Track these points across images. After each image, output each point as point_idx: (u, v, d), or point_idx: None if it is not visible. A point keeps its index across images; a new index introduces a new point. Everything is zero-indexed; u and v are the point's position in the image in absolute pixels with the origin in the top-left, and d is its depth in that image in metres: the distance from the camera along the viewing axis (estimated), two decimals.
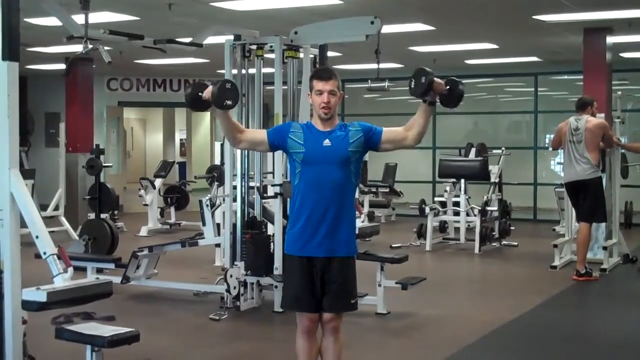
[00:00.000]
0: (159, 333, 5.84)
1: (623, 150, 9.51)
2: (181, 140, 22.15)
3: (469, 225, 10.72)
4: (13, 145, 3.86)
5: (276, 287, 6.42)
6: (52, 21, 8.26)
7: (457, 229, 10.95)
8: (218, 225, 8.37)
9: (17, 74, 3.87)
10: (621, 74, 12.52)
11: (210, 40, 7.79)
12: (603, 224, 8.88)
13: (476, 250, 10.14)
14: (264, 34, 7.07)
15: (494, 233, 10.54)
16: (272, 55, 6.74)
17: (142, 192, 12.47)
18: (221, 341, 5.90)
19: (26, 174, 8.46)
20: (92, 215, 10.08)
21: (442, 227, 11.35)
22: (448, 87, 3.75)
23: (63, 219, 11.50)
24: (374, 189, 13.62)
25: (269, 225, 6.91)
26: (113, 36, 6.92)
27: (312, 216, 3.78)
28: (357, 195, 3.87)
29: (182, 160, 20.04)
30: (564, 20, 9.51)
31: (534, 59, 13.14)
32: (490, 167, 11.21)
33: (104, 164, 10.18)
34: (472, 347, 5.57)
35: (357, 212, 4.12)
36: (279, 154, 6.38)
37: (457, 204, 10.95)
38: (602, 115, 9.07)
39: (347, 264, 3.87)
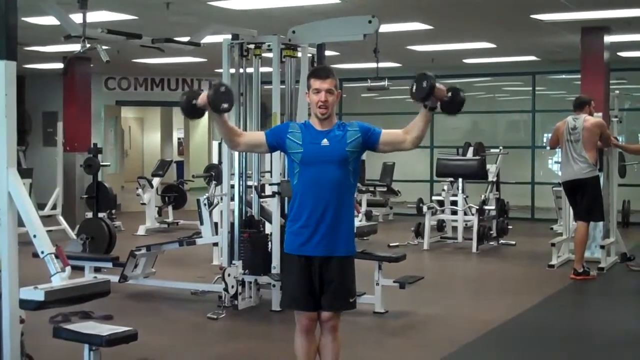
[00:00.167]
0: (156, 332, 5.84)
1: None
2: (179, 139, 22.15)
3: (466, 224, 10.73)
4: (11, 144, 3.86)
5: (274, 286, 6.42)
6: (50, 20, 8.26)
7: (454, 228, 10.96)
8: (216, 224, 8.37)
9: (14, 73, 3.87)
10: (619, 73, 12.53)
11: (208, 39, 7.79)
12: (601, 223, 8.89)
13: (474, 249, 10.15)
14: (261, 33, 7.07)
15: (491, 232, 10.55)
16: (270, 55, 6.74)
17: (139, 191, 12.46)
18: (219, 340, 5.91)
19: (24, 173, 8.45)
20: (89, 215, 10.08)
21: (440, 226, 11.36)
22: (449, 93, 3.73)
23: (61, 218, 11.50)
24: (371, 188, 13.63)
25: (267, 224, 6.91)
26: (111, 35, 6.91)
27: (311, 216, 3.78)
28: (355, 194, 3.88)
29: (180, 159, 20.04)
30: (562, 20, 9.52)
31: (532, 58, 13.15)
32: (488, 166, 11.22)
33: (101, 163, 10.17)
34: (470, 346, 5.58)
35: (355, 211, 4.11)
36: (276, 152, 6.38)
37: (454, 203, 10.95)
38: (600, 114, 9.08)
39: (346, 263, 3.88)
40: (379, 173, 14.03)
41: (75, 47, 6.77)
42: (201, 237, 7.88)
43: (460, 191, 10.67)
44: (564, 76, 14.61)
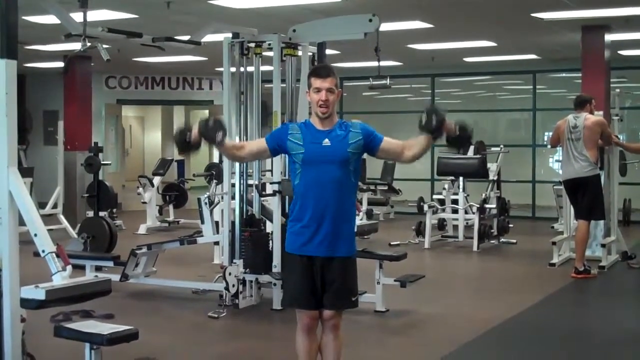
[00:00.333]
0: (157, 331, 5.84)
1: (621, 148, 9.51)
2: None
3: (467, 223, 10.73)
4: (11, 143, 3.86)
5: (275, 284, 6.43)
6: (51, 19, 8.25)
7: (455, 227, 10.95)
8: (217, 223, 8.38)
9: (15, 72, 3.87)
10: (619, 72, 12.52)
11: (209, 38, 7.79)
12: (601, 222, 8.89)
13: (475, 248, 10.15)
14: (262, 31, 7.07)
15: (492, 231, 10.55)
16: (270, 53, 6.74)
17: (140, 190, 12.46)
18: (220, 339, 5.91)
19: (25, 172, 8.47)
20: (90, 213, 10.07)
21: (441, 225, 11.36)
22: (457, 130, 3.75)
23: (62, 217, 11.50)
24: (372, 187, 13.63)
25: (268, 223, 6.91)
26: (111, 34, 6.91)
27: (312, 216, 3.78)
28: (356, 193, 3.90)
29: (181, 158, 20.02)
30: (562, 18, 9.51)
31: (533, 56, 13.14)
32: (489, 165, 11.21)
33: (102, 162, 10.17)
34: (471, 344, 5.58)
35: (356, 210, 4.12)
36: None
37: (455, 201, 10.95)
38: (601, 113, 9.06)
39: (348, 263, 3.88)
40: (379, 172, 14.02)
41: (76, 46, 6.76)
42: (202, 235, 7.90)
43: (461, 190, 10.67)
44: (564, 75, 14.59)
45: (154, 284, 7.41)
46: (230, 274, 6.44)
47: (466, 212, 10.61)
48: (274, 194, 6.56)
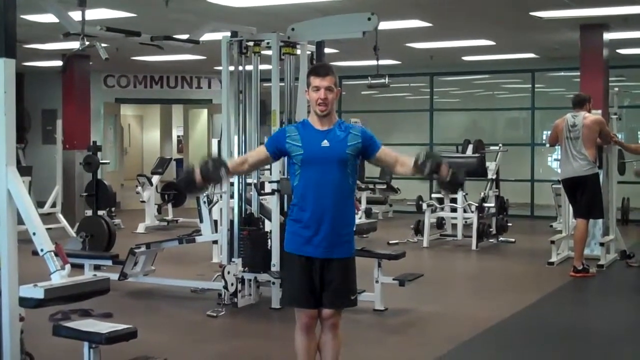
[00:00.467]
0: (156, 330, 5.84)
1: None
2: (178, 137, 22.12)
3: (466, 222, 10.73)
4: (10, 142, 3.86)
5: (274, 283, 6.43)
6: (49, 18, 8.25)
7: (454, 226, 10.96)
8: (215, 222, 8.37)
9: (13, 70, 3.87)
10: (618, 71, 12.53)
11: (207, 36, 7.78)
12: (600, 220, 8.89)
13: (473, 247, 10.15)
14: (261, 30, 7.07)
15: (491, 229, 10.55)
16: (269, 52, 6.74)
17: (139, 189, 12.46)
18: (219, 338, 5.91)
19: (23, 171, 8.45)
20: (89, 212, 10.08)
21: (440, 224, 11.37)
22: (449, 176, 3.78)
23: (60, 216, 11.50)
24: (371, 186, 13.63)
25: (267, 221, 6.91)
26: (110, 33, 6.91)
27: (312, 217, 3.78)
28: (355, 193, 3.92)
29: (179, 156, 20.02)
30: (561, 17, 9.52)
31: (531, 55, 13.15)
32: (488, 164, 11.22)
33: (101, 161, 10.16)
34: (470, 343, 5.58)
35: (354, 209, 4.12)
36: None
37: (454, 200, 10.95)
38: (599, 111, 9.08)
39: (347, 263, 3.88)
40: (378, 170, 14.01)
41: (75, 45, 6.76)
42: (201, 234, 7.90)
43: (459, 189, 10.66)
44: (563, 74, 14.59)
45: (153, 282, 7.41)
46: (229, 272, 6.44)
47: (465, 211, 10.62)
48: (272, 192, 6.56)
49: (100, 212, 9.88)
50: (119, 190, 14.76)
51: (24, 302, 3.67)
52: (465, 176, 3.92)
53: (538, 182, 14.28)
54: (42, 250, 3.79)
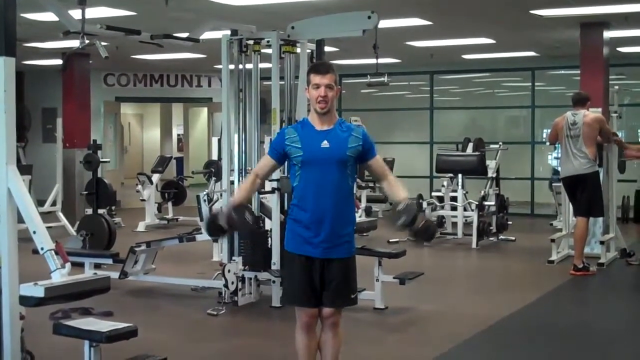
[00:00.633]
0: (156, 328, 5.85)
1: None
2: (178, 135, 22.15)
3: (466, 220, 10.73)
4: (10, 141, 3.86)
5: (274, 282, 6.42)
6: (49, 16, 8.24)
7: (454, 224, 10.95)
8: None
9: (13, 69, 3.87)
10: (618, 69, 12.52)
11: (207, 35, 7.79)
12: (600, 219, 8.89)
13: (474, 245, 10.15)
14: (261, 29, 7.06)
15: (491, 228, 10.55)
16: (269, 51, 6.74)
17: (139, 187, 12.45)
18: (219, 336, 5.91)
19: (23, 169, 8.45)
20: (89, 211, 10.07)
21: (440, 222, 11.34)
22: (422, 225, 3.83)
23: (60, 215, 11.50)
24: (371, 184, 13.60)
25: (267, 220, 6.91)
26: (110, 31, 6.91)
27: (312, 217, 3.78)
28: (354, 190, 3.92)
29: (180, 155, 20.05)
30: (561, 15, 9.52)
31: (531, 53, 13.15)
32: (488, 162, 11.22)
33: (101, 160, 10.16)
34: (470, 341, 5.58)
35: (355, 208, 4.13)
36: None
37: (454, 198, 10.94)
38: (599, 109, 9.07)
39: (347, 263, 3.88)
40: None
41: (74, 43, 6.77)
42: (201, 233, 7.88)
43: (459, 187, 10.67)
44: (563, 72, 14.59)
45: (153, 281, 7.41)
46: (229, 271, 6.44)
47: (465, 210, 10.61)
48: (272, 191, 6.56)
49: (100, 211, 9.87)
50: (119, 189, 14.77)
51: (25, 300, 3.67)
52: (437, 228, 3.98)
53: (538, 180, 14.28)
54: (42, 248, 3.79)
